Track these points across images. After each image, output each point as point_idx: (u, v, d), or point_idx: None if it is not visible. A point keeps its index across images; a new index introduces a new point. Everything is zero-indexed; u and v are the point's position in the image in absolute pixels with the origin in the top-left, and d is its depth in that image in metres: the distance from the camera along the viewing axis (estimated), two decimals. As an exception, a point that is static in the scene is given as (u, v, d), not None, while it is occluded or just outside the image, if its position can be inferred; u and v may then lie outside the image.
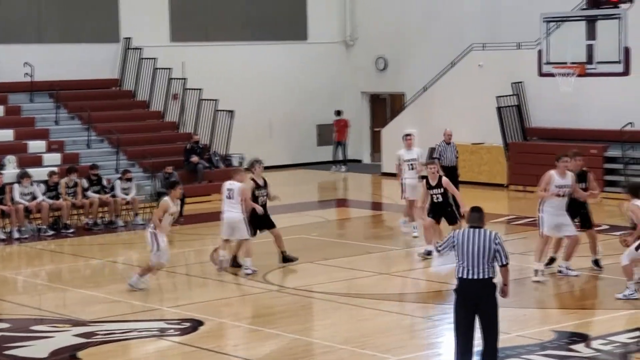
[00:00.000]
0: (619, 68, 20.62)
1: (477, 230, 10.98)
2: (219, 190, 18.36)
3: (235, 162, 28.02)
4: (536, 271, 16.68)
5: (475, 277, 10.86)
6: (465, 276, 10.91)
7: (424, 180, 18.69)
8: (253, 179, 17.97)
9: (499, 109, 28.13)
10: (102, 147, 27.14)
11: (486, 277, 10.88)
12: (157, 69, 29.46)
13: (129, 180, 23.80)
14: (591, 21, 21.16)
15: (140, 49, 29.67)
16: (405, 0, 32.86)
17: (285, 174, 31.24)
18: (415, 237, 20.58)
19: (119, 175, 24.24)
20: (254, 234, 17.94)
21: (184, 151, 27.13)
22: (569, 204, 16.80)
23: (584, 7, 22.31)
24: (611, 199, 23.98)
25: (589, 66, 20.94)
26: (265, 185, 18.07)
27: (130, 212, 23.62)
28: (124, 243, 22.05)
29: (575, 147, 19.26)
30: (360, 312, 15.06)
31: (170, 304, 15.59)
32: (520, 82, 28.24)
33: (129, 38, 29.91)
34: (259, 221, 17.94)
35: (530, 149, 27.55)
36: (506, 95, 28.25)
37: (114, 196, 23.37)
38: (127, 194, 23.52)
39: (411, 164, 20.97)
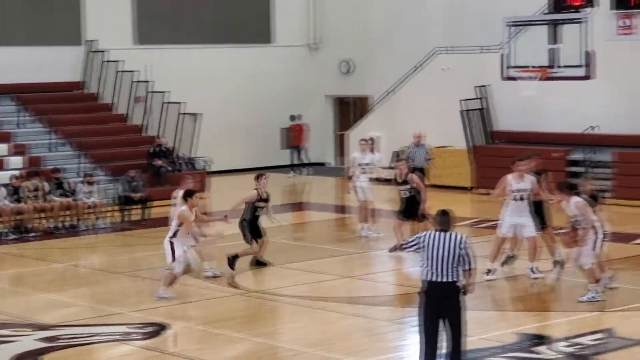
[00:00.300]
0: (582, 72, 20.80)
1: (444, 233, 10.99)
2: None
3: (199, 166, 27.92)
4: (489, 270, 16.75)
5: (441, 279, 10.87)
6: (430, 279, 10.92)
7: (393, 177, 18.99)
8: (257, 190, 18.08)
9: (463, 112, 28.21)
10: (65, 150, 26.97)
11: (451, 280, 10.90)
12: (120, 71, 29.30)
13: (91, 183, 23.67)
14: (554, 25, 21.31)
15: (105, 51, 29.52)
16: (369, 4, 32.92)
17: (248, 177, 30.93)
18: (377, 236, 20.70)
19: (81, 179, 24.10)
20: (251, 242, 18.06)
21: (148, 154, 27.01)
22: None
23: (547, 11, 22.48)
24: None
25: (551, 70, 21.08)
26: (267, 199, 18.18)
27: (93, 215, 23.49)
28: (87, 247, 21.93)
29: (539, 150, 19.32)
30: (324, 315, 15.04)
31: (133, 308, 15.49)
32: (485, 86, 28.35)
33: (93, 41, 29.75)
34: (255, 230, 18.10)
35: (495, 152, 27.61)
36: (470, 99, 28.34)
37: (76, 200, 23.24)
38: (89, 198, 23.39)
39: (363, 168, 21.18)
